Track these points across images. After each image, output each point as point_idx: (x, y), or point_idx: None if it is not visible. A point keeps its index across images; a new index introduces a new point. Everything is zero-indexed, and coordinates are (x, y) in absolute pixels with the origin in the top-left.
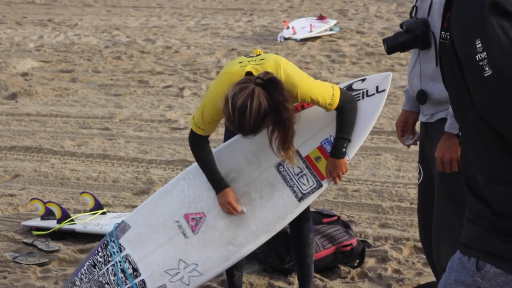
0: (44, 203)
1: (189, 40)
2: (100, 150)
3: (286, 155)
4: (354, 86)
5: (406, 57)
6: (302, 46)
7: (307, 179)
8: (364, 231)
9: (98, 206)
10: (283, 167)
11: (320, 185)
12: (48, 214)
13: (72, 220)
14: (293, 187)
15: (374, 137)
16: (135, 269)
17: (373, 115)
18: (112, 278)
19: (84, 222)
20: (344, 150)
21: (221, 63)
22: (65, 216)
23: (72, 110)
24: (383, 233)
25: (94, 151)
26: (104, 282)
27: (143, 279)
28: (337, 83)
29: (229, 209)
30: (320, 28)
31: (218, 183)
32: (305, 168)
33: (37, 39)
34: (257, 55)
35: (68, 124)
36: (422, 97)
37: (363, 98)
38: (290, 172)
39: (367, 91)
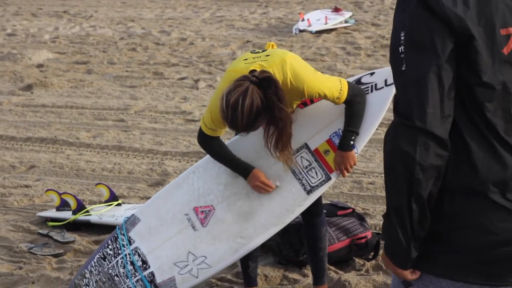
0: (60, 194)
1: (204, 32)
2: (115, 142)
3: (282, 156)
4: (363, 80)
5: None
6: (317, 38)
7: (316, 172)
8: (379, 224)
9: (113, 197)
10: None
11: (329, 178)
12: (63, 205)
13: (87, 211)
14: (301, 180)
15: None
16: (144, 262)
17: (382, 108)
18: (121, 270)
19: (99, 213)
20: (352, 143)
21: (236, 55)
22: (80, 207)
23: (87, 102)
24: None
25: (109, 142)
26: (113, 274)
27: (152, 272)
28: (352, 76)
29: (264, 188)
30: (335, 20)
31: (243, 168)
32: (314, 161)
33: (53, 30)
34: (263, 51)
35: (83, 115)
36: None
37: (371, 91)
38: (299, 165)
39: (375, 84)
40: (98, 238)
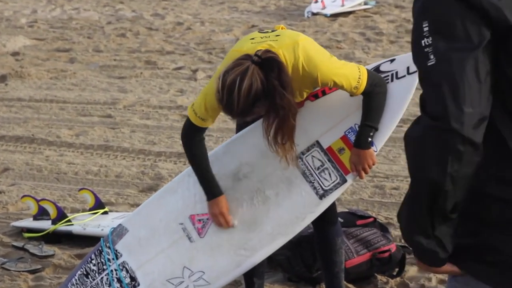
0: (37, 201)
1: (204, 15)
2: (102, 141)
3: (282, 150)
4: (382, 68)
5: None
6: (332, 22)
7: (329, 174)
8: None
9: (98, 204)
10: (302, 161)
11: (344, 180)
12: (41, 214)
13: (69, 220)
14: (313, 183)
15: None
16: (133, 278)
17: (404, 100)
18: None
19: (83, 223)
20: (370, 139)
21: None
22: (61, 216)
23: (69, 95)
24: None
25: (94, 141)
26: None
27: None
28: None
29: (221, 221)
30: (353, 2)
31: (212, 188)
32: (327, 161)
33: (30, 13)
34: (273, 31)
35: (65, 110)
36: None
37: (392, 80)
38: (310, 166)
39: (396, 72)
40: (81, 251)
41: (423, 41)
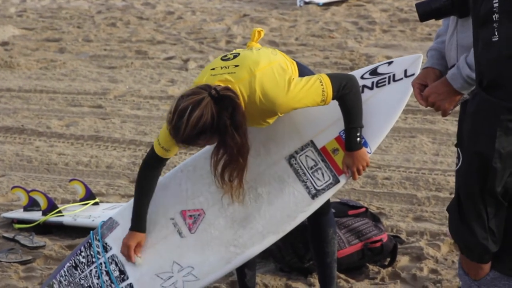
0: (27, 192)
1: (195, 4)
2: (92, 131)
3: (228, 188)
4: (379, 70)
5: None
6: (325, 11)
7: (322, 174)
8: (396, 225)
9: (89, 195)
10: (295, 160)
11: (337, 181)
12: (32, 205)
13: (59, 211)
14: (306, 182)
15: (408, 117)
16: (122, 272)
17: (400, 102)
18: (95, 281)
19: (74, 214)
20: (359, 139)
21: (231, 31)
22: (51, 207)
23: (59, 85)
24: (418, 228)
25: (85, 132)
26: (86, 285)
27: (130, 283)
28: (365, 54)
29: (126, 253)
30: None
31: (138, 222)
32: (320, 161)
33: (19, 2)
34: (234, 57)
35: (55, 101)
36: None
37: (389, 83)
38: (303, 166)
39: (394, 75)
40: (72, 242)
41: (494, 16)
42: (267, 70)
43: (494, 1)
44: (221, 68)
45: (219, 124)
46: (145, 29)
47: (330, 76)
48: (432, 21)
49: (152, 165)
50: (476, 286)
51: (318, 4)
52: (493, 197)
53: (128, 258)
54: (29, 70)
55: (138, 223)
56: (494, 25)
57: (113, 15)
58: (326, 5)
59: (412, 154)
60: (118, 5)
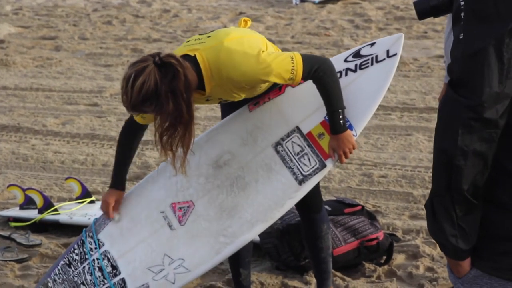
0: (23, 190)
1: (191, 2)
2: (88, 129)
3: (162, 153)
4: (362, 52)
5: (442, 22)
6: (321, 9)
7: (309, 159)
8: (392, 223)
9: (85, 193)
10: (282, 147)
11: (324, 166)
12: (28, 203)
13: (55, 209)
14: (292, 168)
15: (404, 115)
16: (114, 267)
17: (384, 83)
18: (88, 277)
19: (70, 212)
20: (342, 122)
21: None
22: (47, 205)
23: (55, 83)
24: (414, 226)
25: (81, 130)
26: (79, 282)
27: (122, 278)
28: None
29: (105, 209)
30: None
31: (118, 179)
32: (307, 147)
33: (15, 0)
34: (211, 31)
35: (51, 99)
36: None
37: (372, 64)
38: (290, 152)
39: (376, 56)
40: (68, 240)
41: (461, 14)
42: (237, 40)
43: (461, 0)
44: (195, 40)
45: (159, 90)
46: (141, 27)
47: (304, 56)
48: (428, 19)
49: (131, 129)
50: (460, 283)
51: (314, 2)
52: (460, 195)
53: (107, 215)
54: (25, 68)
55: (117, 180)
56: (462, 23)
57: (109, 13)
58: (322, 3)
59: (408, 152)
60: (114, 3)
